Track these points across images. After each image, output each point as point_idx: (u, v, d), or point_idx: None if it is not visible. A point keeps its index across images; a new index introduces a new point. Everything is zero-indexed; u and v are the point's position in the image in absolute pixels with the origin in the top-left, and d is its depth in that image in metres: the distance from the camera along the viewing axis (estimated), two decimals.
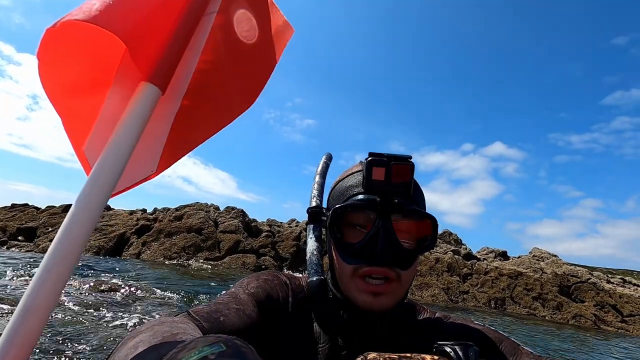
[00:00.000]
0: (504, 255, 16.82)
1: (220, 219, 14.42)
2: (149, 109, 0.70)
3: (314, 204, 0.85)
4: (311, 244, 0.80)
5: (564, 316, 11.87)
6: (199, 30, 0.80)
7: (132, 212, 15.42)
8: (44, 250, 11.83)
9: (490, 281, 13.17)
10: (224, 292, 0.75)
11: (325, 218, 0.76)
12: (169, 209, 15.34)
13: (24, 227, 13.37)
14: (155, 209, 16.06)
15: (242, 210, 15.34)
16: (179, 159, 0.93)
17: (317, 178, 0.91)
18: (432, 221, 0.70)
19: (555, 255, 15.49)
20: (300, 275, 0.86)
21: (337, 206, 0.71)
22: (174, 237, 12.99)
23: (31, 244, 12.32)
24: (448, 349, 0.50)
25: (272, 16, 1.05)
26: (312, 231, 0.82)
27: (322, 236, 0.83)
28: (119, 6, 0.67)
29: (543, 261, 15.05)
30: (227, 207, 15.61)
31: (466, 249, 16.56)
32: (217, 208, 15.68)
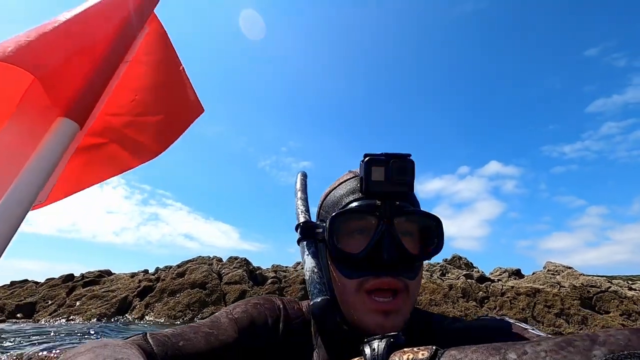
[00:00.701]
0: (517, 274, 16.29)
1: (224, 271, 14.08)
2: (66, 143, 0.73)
3: (302, 219, 0.77)
4: (309, 262, 0.70)
5: (591, 330, 11.29)
6: (118, 74, 0.87)
7: (133, 275, 15.05)
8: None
9: (508, 302, 12.66)
10: (210, 316, 0.71)
11: (320, 230, 0.70)
12: (170, 267, 15.01)
13: (22, 303, 12.95)
14: (157, 269, 15.69)
15: (246, 259, 15.04)
16: (69, 195, 0.97)
17: (299, 194, 0.84)
18: (438, 222, 0.64)
19: (570, 267, 15.05)
20: (301, 301, 0.78)
21: (334, 214, 0.64)
22: (177, 295, 12.59)
23: (30, 320, 11.86)
24: (366, 349, 0.43)
25: (185, 90, 1.14)
26: (306, 248, 0.73)
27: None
28: (33, 47, 0.71)
29: (559, 274, 14.59)
30: (230, 258, 15.30)
31: (478, 271, 16.08)
32: (220, 260, 15.37)
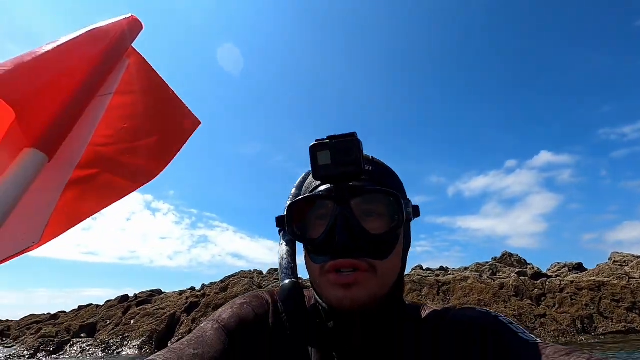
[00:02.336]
0: (579, 268, 14.82)
1: (264, 283, 14.32)
2: (31, 174, 0.73)
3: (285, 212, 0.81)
4: (282, 249, 0.74)
5: None
6: (92, 108, 0.88)
7: (181, 292, 15.77)
8: (102, 342, 12.20)
9: (568, 298, 11.53)
10: (197, 328, 0.69)
11: None
12: (214, 283, 15.55)
13: (85, 324, 14.04)
14: (203, 285, 16.33)
15: None
16: (69, 229, 0.97)
17: (293, 190, 0.85)
18: (395, 197, 0.62)
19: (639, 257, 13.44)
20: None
21: (289, 202, 0.66)
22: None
23: (91, 339, 12.80)
24: None
25: (177, 108, 1.16)
26: (283, 237, 0.76)
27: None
28: (9, 75, 0.74)
29: (627, 265, 13.07)
30: (270, 270, 15.55)
31: (533, 268, 14.87)
32: (261, 272, 15.66)
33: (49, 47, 0.84)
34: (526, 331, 0.57)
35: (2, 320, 20.04)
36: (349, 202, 0.60)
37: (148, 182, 1.10)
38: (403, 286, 0.71)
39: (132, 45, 1.03)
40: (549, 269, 15.65)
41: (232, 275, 15.52)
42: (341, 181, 0.61)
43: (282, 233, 0.77)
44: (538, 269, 14.82)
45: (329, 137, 0.62)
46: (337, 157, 0.61)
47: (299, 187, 0.84)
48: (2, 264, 0.78)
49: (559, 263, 16.11)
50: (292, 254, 0.72)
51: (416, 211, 0.66)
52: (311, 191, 0.68)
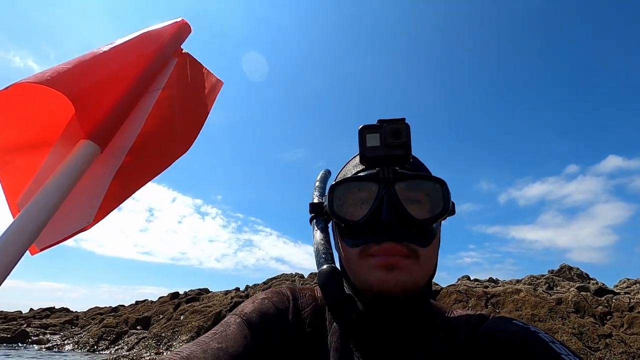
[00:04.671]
0: None
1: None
2: (85, 164, 0.79)
3: (315, 200, 0.79)
4: (317, 236, 0.72)
5: None
6: (142, 102, 0.97)
7: (227, 292, 16.43)
8: (156, 335, 13.05)
9: (639, 318, 10.31)
10: (221, 321, 0.70)
11: (325, 204, 0.69)
12: (258, 284, 16.03)
13: (141, 317, 15.12)
14: (247, 286, 16.90)
15: None
16: (114, 208, 1.03)
17: (318, 183, 0.85)
18: (442, 184, 0.61)
19: None
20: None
21: (333, 183, 0.65)
22: None
23: (146, 331, 13.75)
24: None
25: (206, 78, 1.25)
26: (316, 224, 0.75)
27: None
28: (70, 73, 0.81)
29: None
30: (311, 274, 15.68)
31: (596, 283, 13.50)
32: (302, 276, 15.86)
33: (107, 48, 0.92)
34: (570, 353, 0.51)
35: (72, 311, 22.34)
36: (394, 185, 0.60)
37: (185, 152, 1.12)
38: (431, 286, 0.69)
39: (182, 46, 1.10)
40: (616, 285, 14.10)
41: (274, 278, 15.89)
42: (388, 164, 0.61)
43: (315, 220, 0.76)
44: (603, 284, 13.43)
45: (379, 121, 0.62)
46: (387, 140, 0.61)
47: (323, 180, 0.85)
48: (58, 244, 0.85)
49: (628, 279, 14.47)
50: (327, 240, 0.72)
51: (454, 208, 0.65)
52: (350, 176, 0.66)
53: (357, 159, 0.67)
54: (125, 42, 0.96)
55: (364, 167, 0.64)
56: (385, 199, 0.58)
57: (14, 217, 0.81)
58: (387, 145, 0.61)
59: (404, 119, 0.61)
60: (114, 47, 0.93)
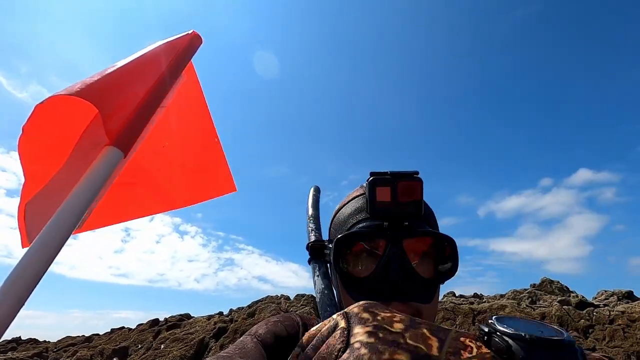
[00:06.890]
0: (629, 297, 13.63)
1: (291, 309, 14.12)
2: (111, 169, 0.82)
3: (313, 238, 0.76)
4: (319, 283, 0.70)
5: None
6: (153, 117, 0.98)
7: (209, 317, 15.82)
8: None
9: (620, 331, 10.59)
10: (236, 341, 0.73)
11: (328, 251, 0.68)
12: (242, 308, 15.52)
13: (118, 347, 14.28)
14: (230, 310, 16.33)
15: (312, 295, 14.94)
16: (104, 226, 1.08)
17: (311, 211, 0.83)
18: (451, 243, 0.61)
19: None
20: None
21: (339, 236, 0.63)
22: None
23: None
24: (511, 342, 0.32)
25: (220, 163, 1.25)
26: (317, 269, 0.73)
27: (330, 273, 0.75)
28: (96, 84, 0.86)
29: None
30: (297, 295, 15.36)
31: (577, 296, 13.83)
32: (288, 298, 15.50)
33: (127, 61, 0.95)
34: None
35: (40, 342, 20.81)
36: (401, 242, 0.58)
37: (168, 210, 1.16)
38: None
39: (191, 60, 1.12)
40: (595, 297, 14.50)
41: (259, 301, 15.45)
42: (398, 221, 0.59)
43: (316, 265, 0.73)
44: (583, 297, 13.77)
45: (391, 174, 0.60)
46: (398, 197, 0.59)
47: (316, 207, 0.83)
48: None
49: (606, 291, 14.91)
50: (331, 288, 0.70)
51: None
52: (354, 224, 0.65)
53: (359, 201, 0.66)
54: (143, 55, 1.00)
55: (368, 215, 0.63)
56: (393, 258, 0.57)
57: (19, 218, 0.87)
58: (398, 203, 0.59)
59: (417, 173, 0.59)
60: (133, 60, 0.97)
